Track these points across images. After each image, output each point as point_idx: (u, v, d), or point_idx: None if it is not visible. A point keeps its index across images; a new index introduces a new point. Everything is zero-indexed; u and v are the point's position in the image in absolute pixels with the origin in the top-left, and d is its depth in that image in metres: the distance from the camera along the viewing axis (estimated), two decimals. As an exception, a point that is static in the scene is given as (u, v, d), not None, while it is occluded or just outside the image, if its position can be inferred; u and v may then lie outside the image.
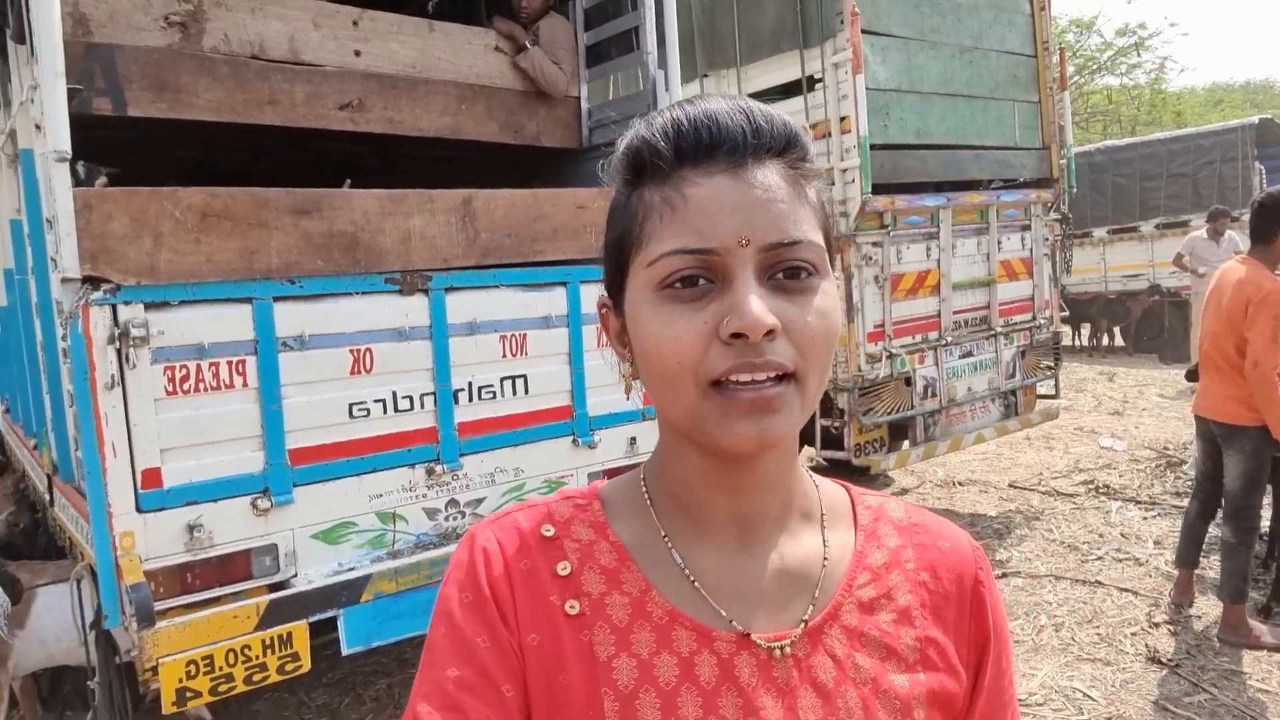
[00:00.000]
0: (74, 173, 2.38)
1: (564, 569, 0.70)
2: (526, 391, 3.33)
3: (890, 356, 4.87)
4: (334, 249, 2.78)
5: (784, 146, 0.65)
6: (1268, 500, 4.36)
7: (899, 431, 5.21)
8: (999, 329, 5.51)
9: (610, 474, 3.88)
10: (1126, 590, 4.52)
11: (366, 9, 3.29)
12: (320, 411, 2.83)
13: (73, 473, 2.95)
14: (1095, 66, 26.42)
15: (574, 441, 3.45)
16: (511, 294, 3.27)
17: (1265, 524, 4.54)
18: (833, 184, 4.71)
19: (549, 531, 0.72)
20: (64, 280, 2.34)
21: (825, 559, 0.72)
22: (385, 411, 2.98)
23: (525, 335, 3.30)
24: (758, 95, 5.08)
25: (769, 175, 0.64)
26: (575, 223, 3.38)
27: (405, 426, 3.04)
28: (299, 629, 2.68)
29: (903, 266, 4.94)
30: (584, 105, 3.94)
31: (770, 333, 0.60)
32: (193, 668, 2.52)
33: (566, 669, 0.66)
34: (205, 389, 2.60)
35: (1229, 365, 3.86)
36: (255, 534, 2.68)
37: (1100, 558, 5.00)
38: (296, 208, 2.66)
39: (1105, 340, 14.41)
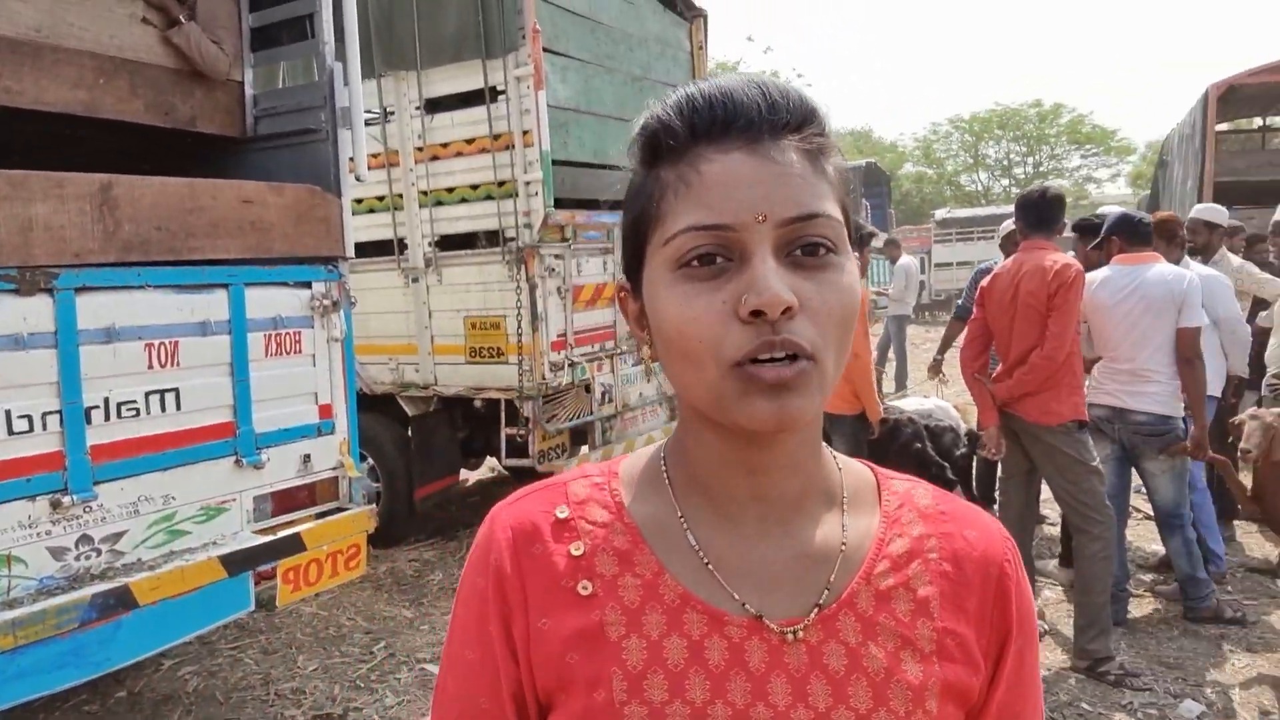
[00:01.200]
0: None
1: (577, 549, 0.70)
2: (179, 407, 2.96)
3: (572, 365, 5.03)
4: (-78, 237, 2.26)
5: (801, 122, 0.64)
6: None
7: (579, 436, 5.39)
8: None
9: (280, 496, 3.60)
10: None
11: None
12: (-100, 437, 2.28)
13: None
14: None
15: (237, 462, 3.13)
16: (161, 296, 2.88)
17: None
18: (516, 195, 4.77)
19: (563, 513, 0.72)
20: None
21: (844, 544, 0.70)
22: (-5, 434, 2.49)
23: (177, 343, 2.94)
24: (439, 101, 5.02)
25: (786, 151, 0.62)
26: (240, 218, 3.07)
27: (22, 452, 2.56)
28: None
29: (582, 279, 5.13)
30: (249, 91, 3.60)
31: (788, 310, 0.59)
32: None
33: (577, 649, 0.67)
34: None
35: None
36: None
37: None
38: None
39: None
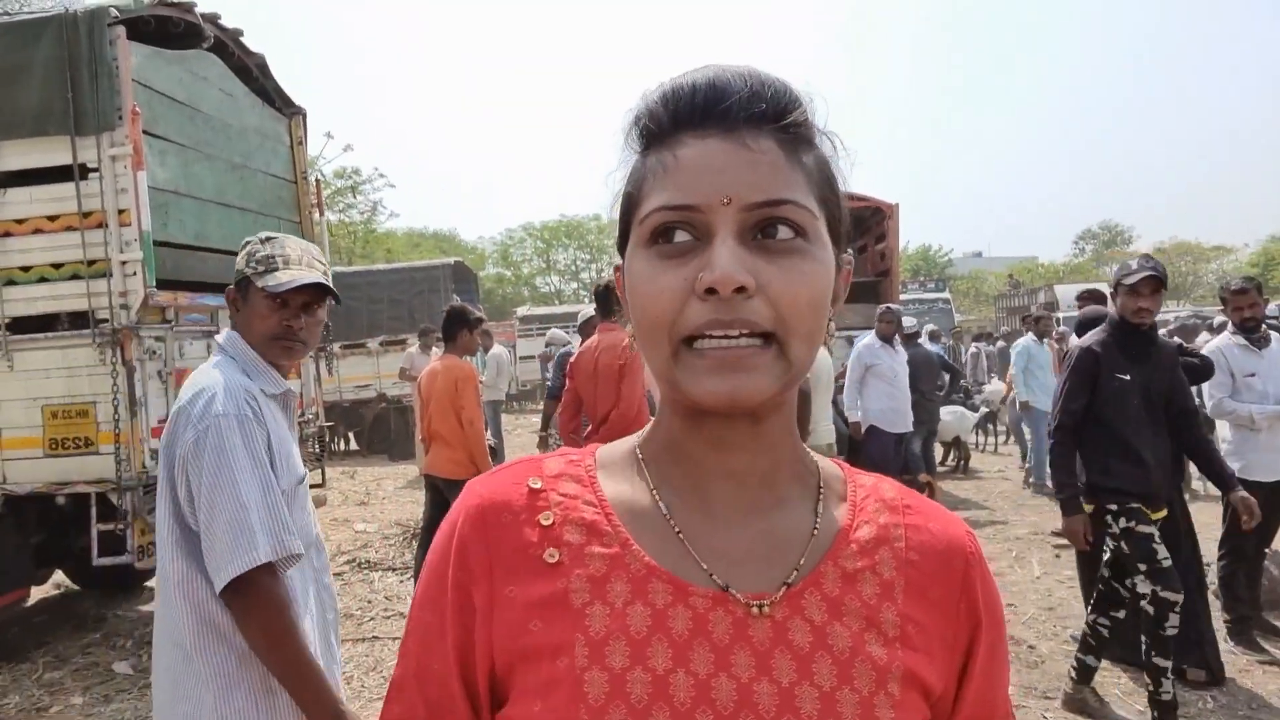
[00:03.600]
0: None
1: (546, 519, 0.71)
2: None
3: (177, 450, 4.85)
4: None
5: (780, 111, 0.65)
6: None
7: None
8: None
9: None
10: (399, 639, 5.29)
11: None
12: None
13: None
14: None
15: None
16: None
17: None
18: (110, 275, 4.59)
19: (535, 484, 0.73)
20: None
21: (816, 528, 0.72)
22: None
23: None
24: (16, 175, 4.69)
25: (763, 139, 0.64)
26: None
27: None
28: None
29: (185, 361, 5.00)
30: None
31: (744, 290, 0.61)
32: None
33: (541, 614, 0.67)
34: None
35: (450, 434, 5.10)
36: None
37: (373, 618, 5.71)
38: None
39: (342, 445, 15.85)
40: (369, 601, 6.08)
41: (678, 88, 0.67)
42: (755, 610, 0.67)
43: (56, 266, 4.69)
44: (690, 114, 0.65)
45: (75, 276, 4.66)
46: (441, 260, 16.31)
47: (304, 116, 6.62)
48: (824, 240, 0.66)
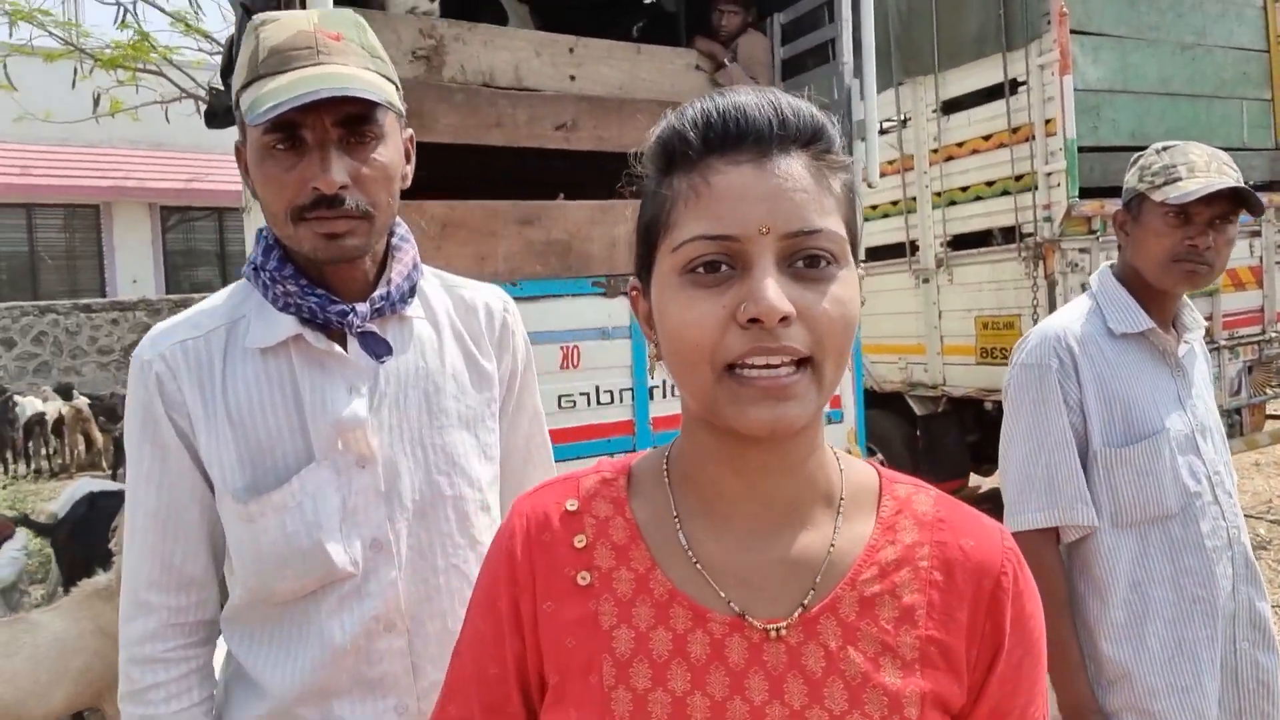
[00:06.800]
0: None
1: (580, 542, 0.75)
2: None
3: (1094, 368, 4.66)
4: (550, 255, 3.07)
5: (810, 138, 0.67)
6: None
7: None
8: (1223, 341, 5.11)
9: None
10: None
11: (581, 37, 3.59)
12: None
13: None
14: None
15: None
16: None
17: None
18: (1035, 188, 4.57)
19: (572, 506, 0.77)
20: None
21: (832, 546, 0.72)
22: (589, 404, 3.25)
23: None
24: (956, 100, 5.05)
25: (793, 165, 0.65)
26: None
27: (606, 419, 3.28)
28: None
29: (1110, 274, 4.71)
30: (778, 117, 4.08)
31: (785, 319, 0.62)
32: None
33: (574, 633, 0.73)
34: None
35: None
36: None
37: (1337, 597, 4.53)
38: (520, 218, 2.97)
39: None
40: (1340, 573, 4.84)
41: (707, 112, 0.67)
42: (771, 634, 0.69)
43: (989, 184, 4.92)
44: (722, 139, 0.66)
45: (1005, 192, 4.80)
46: None
47: (1291, -40, 5.32)
48: (851, 262, 0.67)
